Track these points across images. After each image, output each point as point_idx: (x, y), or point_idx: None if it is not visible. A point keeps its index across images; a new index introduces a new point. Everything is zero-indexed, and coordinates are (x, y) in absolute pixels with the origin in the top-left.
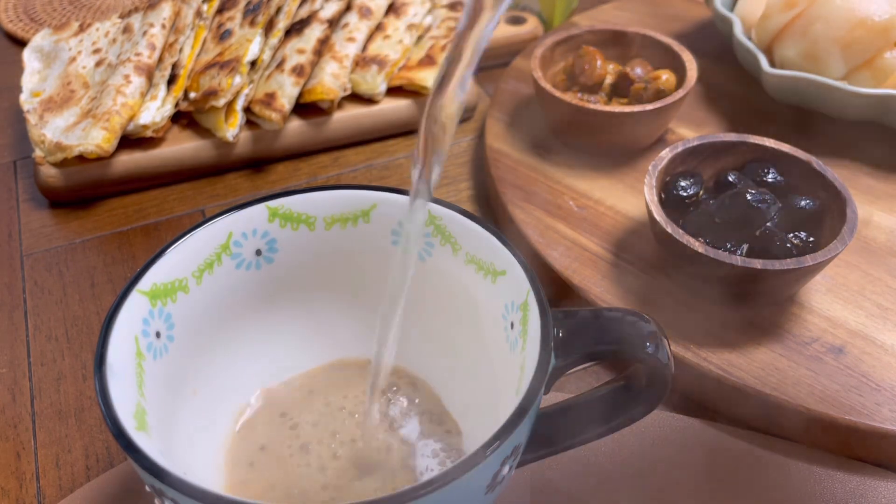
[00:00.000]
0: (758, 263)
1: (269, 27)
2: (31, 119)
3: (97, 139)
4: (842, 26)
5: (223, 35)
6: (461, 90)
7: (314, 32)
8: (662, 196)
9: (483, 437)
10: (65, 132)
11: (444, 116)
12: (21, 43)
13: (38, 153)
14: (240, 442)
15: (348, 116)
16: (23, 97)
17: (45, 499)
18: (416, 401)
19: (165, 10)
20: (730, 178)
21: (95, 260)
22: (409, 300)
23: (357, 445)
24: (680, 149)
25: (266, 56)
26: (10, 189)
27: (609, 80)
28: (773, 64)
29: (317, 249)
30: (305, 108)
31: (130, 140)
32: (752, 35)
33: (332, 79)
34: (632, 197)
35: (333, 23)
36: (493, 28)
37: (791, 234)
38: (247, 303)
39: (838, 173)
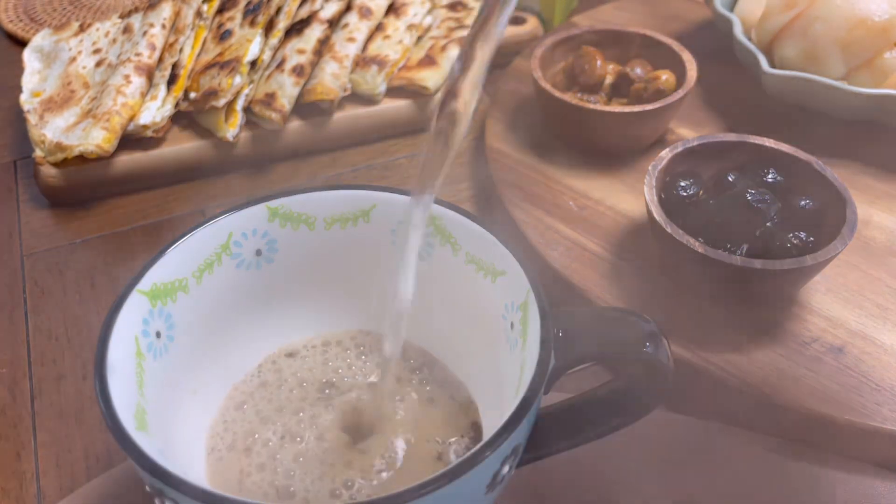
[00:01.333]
0: (758, 263)
1: (269, 27)
2: (32, 119)
3: (97, 139)
4: (842, 26)
5: (223, 35)
6: (476, 90)
7: (314, 32)
8: (662, 196)
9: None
10: (65, 132)
11: (458, 118)
12: (21, 43)
13: (38, 153)
14: (235, 435)
15: (348, 116)
16: (23, 97)
17: (45, 499)
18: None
19: (165, 10)
20: (730, 178)
21: (95, 260)
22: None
23: (361, 433)
24: (680, 149)
25: (266, 56)
26: (10, 189)
27: (609, 80)
28: (773, 64)
29: (317, 249)
30: (305, 108)
31: (130, 140)
32: (752, 35)
33: (332, 79)
34: (632, 197)
35: (333, 23)
36: (504, 28)
37: (791, 234)
38: (247, 303)
39: (838, 173)
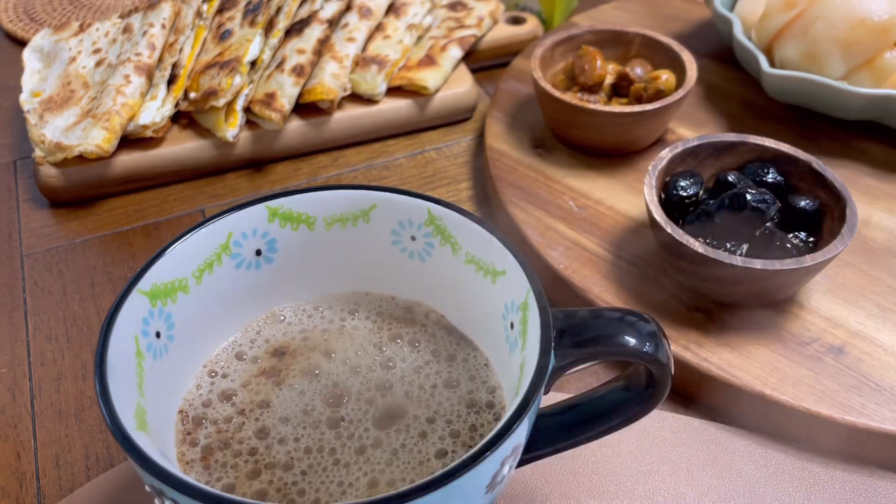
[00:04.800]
0: (758, 263)
1: (269, 27)
2: (31, 119)
3: (97, 139)
4: (842, 26)
5: (223, 35)
6: None
7: (314, 32)
8: (662, 196)
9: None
10: (65, 132)
11: None
12: (21, 43)
13: (38, 153)
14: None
15: (348, 116)
16: (23, 97)
17: (45, 499)
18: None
19: (165, 10)
20: (730, 178)
21: (95, 260)
22: (407, 300)
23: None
24: (680, 149)
25: (266, 56)
26: (10, 189)
27: (609, 80)
28: (773, 64)
29: (317, 249)
30: (305, 108)
31: (130, 140)
32: (752, 35)
33: (332, 79)
34: (632, 197)
35: (333, 23)
36: None
37: (791, 234)
38: (247, 303)
39: (838, 173)
